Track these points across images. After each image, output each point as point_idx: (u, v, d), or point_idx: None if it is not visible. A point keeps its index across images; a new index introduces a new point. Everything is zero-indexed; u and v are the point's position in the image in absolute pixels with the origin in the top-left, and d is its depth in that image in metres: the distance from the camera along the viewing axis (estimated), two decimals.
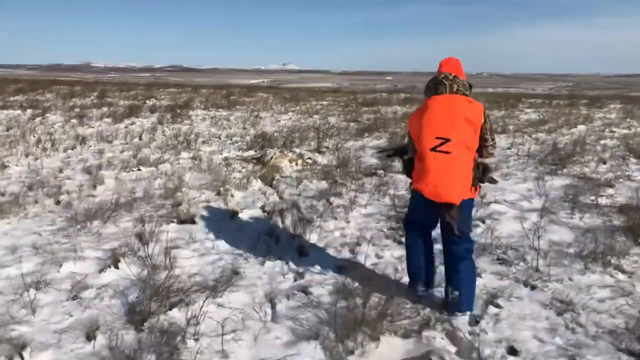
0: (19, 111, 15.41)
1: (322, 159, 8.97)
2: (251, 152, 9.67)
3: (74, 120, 13.87)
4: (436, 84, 3.33)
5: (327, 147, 10.31)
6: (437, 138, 3.11)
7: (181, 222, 5.59)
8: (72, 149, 9.95)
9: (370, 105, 19.94)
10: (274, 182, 7.39)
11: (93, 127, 12.99)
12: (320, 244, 4.86)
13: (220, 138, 11.51)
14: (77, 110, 16.11)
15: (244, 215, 5.77)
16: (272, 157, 8.69)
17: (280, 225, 5.42)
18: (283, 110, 17.62)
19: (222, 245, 4.87)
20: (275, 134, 11.87)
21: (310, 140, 11.07)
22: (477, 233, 5.04)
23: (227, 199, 6.42)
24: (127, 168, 8.19)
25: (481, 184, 3.40)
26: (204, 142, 10.92)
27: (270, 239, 5.01)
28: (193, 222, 5.59)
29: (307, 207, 6.03)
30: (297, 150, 9.67)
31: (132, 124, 13.74)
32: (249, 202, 6.34)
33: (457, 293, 3.38)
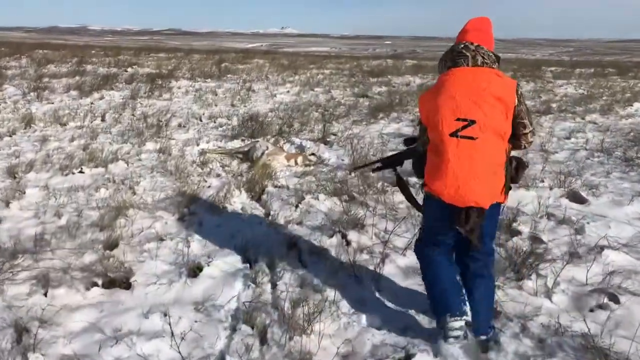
0: None
1: (329, 155, 6.78)
2: (237, 143, 7.47)
3: (33, 94, 11.58)
4: (455, 56, 2.61)
5: (335, 135, 8.11)
6: (459, 120, 2.42)
7: (109, 283, 3.47)
8: (10, 135, 7.75)
9: (378, 75, 17.54)
10: (264, 195, 5.23)
11: (52, 103, 10.77)
12: (340, 349, 2.73)
13: (201, 120, 9.27)
14: (45, 80, 13.78)
15: (213, 270, 3.62)
16: (263, 153, 6.50)
17: (269, 293, 3.30)
18: (280, 81, 15.27)
19: (164, 352, 2.75)
20: (270, 114, 9.64)
21: (312, 123, 8.85)
22: (602, 319, 2.92)
23: (191, 232, 4.27)
24: (67, 169, 6.01)
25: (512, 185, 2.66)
26: (179, 125, 8.70)
27: (251, 332, 2.89)
28: (127, 285, 3.46)
29: (312, 253, 3.89)
30: (297, 141, 7.48)
31: (100, 98, 11.48)
32: (225, 236, 4.18)
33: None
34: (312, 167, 6.31)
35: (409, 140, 3.03)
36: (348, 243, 4.03)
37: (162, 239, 4.11)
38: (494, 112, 2.41)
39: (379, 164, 3.16)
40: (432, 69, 19.48)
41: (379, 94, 12.73)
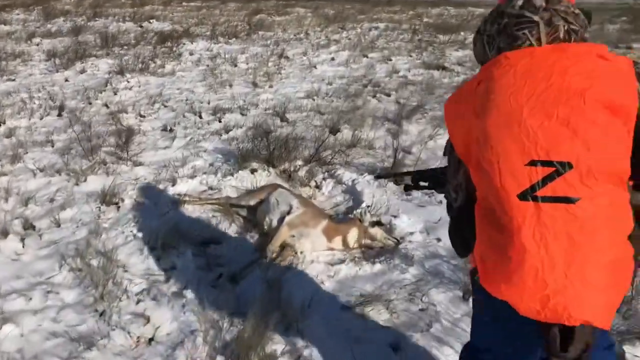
0: None
1: (409, 221, 3.50)
2: (242, 176, 4.27)
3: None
4: (510, 27, 1.27)
5: (410, 153, 4.83)
6: (534, 164, 1.11)
7: None
8: None
9: (448, 31, 13.72)
10: None
11: (14, 80, 7.90)
12: None
13: (200, 116, 6.11)
14: (36, 41, 10.90)
15: None
16: (282, 219, 3.31)
17: None
18: (323, 41, 11.80)
19: None
20: (305, 103, 6.42)
21: (371, 125, 5.58)
22: None
23: None
24: None
25: None
26: (163, 129, 5.59)
27: None
28: None
29: None
30: (346, 175, 4.23)
31: (82, 71, 8.47)
32: None
33: None
34: (376, 262, 3.10)
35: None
36: None
37: None
38: (607, 139, 1.08)
39: (408, 179, 1.80)
40: None
41: (459, 63, 9.16)
